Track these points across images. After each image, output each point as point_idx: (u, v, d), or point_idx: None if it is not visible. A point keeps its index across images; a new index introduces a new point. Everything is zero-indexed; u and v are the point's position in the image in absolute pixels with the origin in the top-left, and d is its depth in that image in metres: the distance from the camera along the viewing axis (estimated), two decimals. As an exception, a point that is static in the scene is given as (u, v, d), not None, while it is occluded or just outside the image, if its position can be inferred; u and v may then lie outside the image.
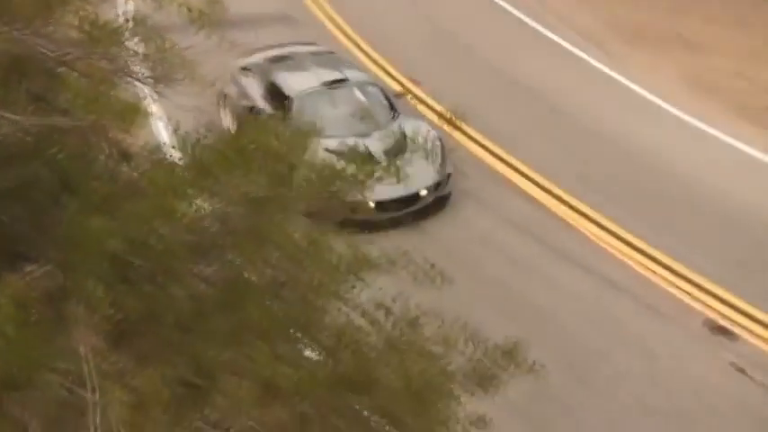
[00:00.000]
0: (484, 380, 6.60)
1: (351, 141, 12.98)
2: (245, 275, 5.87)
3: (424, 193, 13.52)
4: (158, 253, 5.38)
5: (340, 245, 6.13)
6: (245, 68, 15.69)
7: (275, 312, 5.41)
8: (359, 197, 12.42)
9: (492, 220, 13.33)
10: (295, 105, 14.26)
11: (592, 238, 12.75)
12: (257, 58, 15.91)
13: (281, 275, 5.83)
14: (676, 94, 15.94)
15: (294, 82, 14.95)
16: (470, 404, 6.66)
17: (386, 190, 12.76)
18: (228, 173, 5.16)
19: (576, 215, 13.17)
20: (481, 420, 6.43)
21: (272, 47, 16.34)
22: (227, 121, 15.40)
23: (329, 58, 16.10)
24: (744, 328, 11.21)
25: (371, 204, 12.69)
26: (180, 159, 6.13)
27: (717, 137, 14.87)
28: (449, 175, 13.81)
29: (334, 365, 5.23)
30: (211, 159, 5.24)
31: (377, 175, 5.69)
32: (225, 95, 15.59)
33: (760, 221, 12.95)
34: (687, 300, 11.67)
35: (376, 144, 13.72)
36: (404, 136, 14.07)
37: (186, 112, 7.28)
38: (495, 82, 16.61)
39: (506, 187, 13.97)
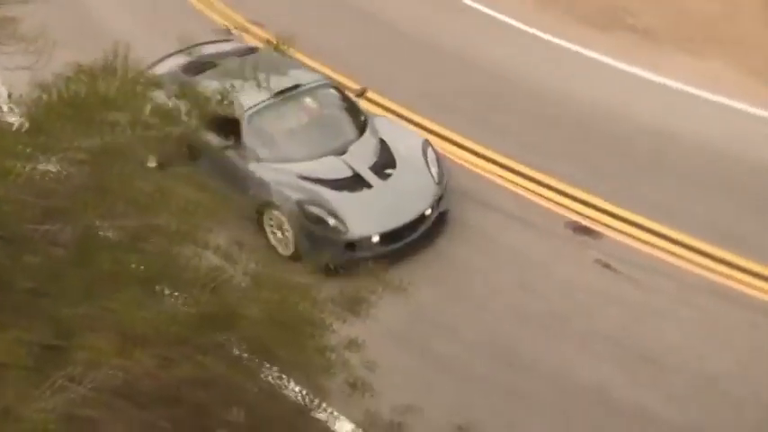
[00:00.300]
0: (354, 304, 6.68)
1: (329, 163, 11.60)
2: (97, 232, 5.78)
3: (428, 212, 11.47)
4: (2, 219, 5.26)
5: (191, 190, 6.09)
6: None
7: (131, 264, 5.35)
8: (360, 234, 10.92)
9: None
10: (246, 127, 11.76)
11: (448, 155, 12.85)
12: (167, 67, 12.93)
13: (133, 227, 5.77)
14: (517, 7, 16.12)
15: (235, 96, 12.70)
16: (345, 330, 6.75)
17: (389, 219, 11.19)
18: (62, 128, 5.04)
19: (427, 134, 13.19)
20: (354, 344, 6.52)
21: (178, 51, 13.05)
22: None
23: (260, 57, 12.59)
24: (605, 225, 11.51)
25: (375, 239, 11.14)
26: (16, 121, 5.97)
27: (560, 45, 15.11)
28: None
29: (196, 306, 5.22)
30: (43, 116, 5.11)
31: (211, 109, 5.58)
32: None
33: (608, 122, 13.27)
34: (547, 204, 11.90)
35: (358, 161, 11.68)
36: (384, 143, 12.00)
37: (19, 73, 7.02)
38: (343, 15, 16.47)
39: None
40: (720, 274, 10.68)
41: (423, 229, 11.36)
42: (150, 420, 5.55)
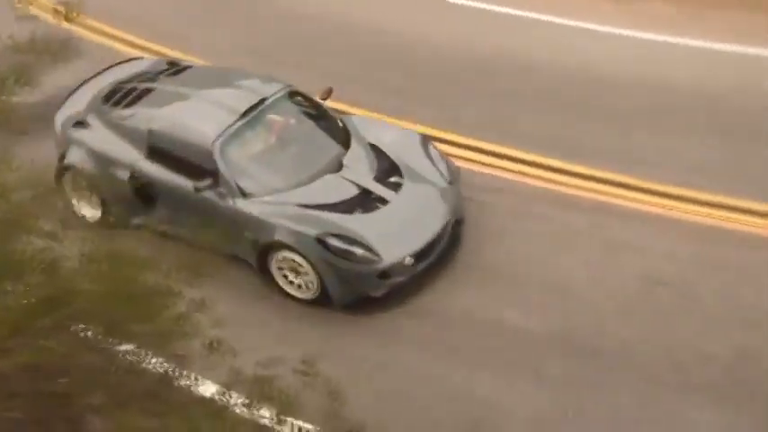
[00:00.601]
0: (197, 268, 6.69)
1: (328, 184, 10.07)
2: None
3: (449, 217, 10.20)
4: None
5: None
6: (79, 123, 10.98)
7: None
8: (393, 259, 9.64)
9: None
10: (220, 159, 9.96)
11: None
12: (83, 102, 11.23)
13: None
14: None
15: (195, 124, 10.24)
16: (200, 294, 6.76)
17: (418, 235, 9.82)
18: None
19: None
20: (201, 304, 6.53)
21: (85, 82, 11.59)
22: (88, 210, 10.89)
23: (199, 72, 11.44)
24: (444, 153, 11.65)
25: (409, 260, 9.69)
26: None
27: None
28: None
29: (29, 290, 5.13)
30: None
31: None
32: (68, 168, 10.86)
33: (430, 53, 13.41)
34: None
35: (360, 174, 10.15)
36: (376, 148, 10.51)
37: None
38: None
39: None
40: (556, 182, 11.00)
41: (447, 236, 10.11)
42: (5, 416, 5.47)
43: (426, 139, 10.79)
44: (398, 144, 10.60)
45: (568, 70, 12.72)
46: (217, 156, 9.94)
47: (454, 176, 10.44)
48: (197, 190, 9.92)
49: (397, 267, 9.67)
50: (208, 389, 7.30)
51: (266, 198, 9.94)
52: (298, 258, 9.63)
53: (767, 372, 8.78)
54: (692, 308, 9.42)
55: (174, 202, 10.27)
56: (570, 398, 8.77)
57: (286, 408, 6.53)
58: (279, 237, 9.66)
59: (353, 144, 10.49)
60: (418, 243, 9.76)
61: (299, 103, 10.81)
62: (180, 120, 10.34)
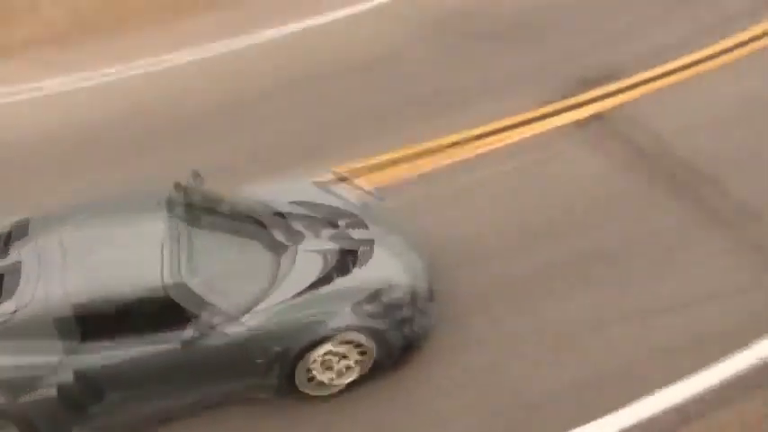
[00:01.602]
0: None
1: (305, 262, 8.53)
2: None
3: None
4: None
5: None
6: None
7: None
8: (422, 286, 8.53)
9: None
10: (188, 297, 7.89)
11: None
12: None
13: None
14: None
15: (121, 273, 7.78)
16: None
17: (413, 255, 8.95)
18: None
19: None
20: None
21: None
22: None
23: (48, 222, 8.30)
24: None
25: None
26: None
27: None
28: None
29: None
30: None
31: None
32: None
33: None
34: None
35: (313, 239, 8.85)
36: (288, 215, 9.15)
37: None
38: None
39: None
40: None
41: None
42: None
43: (317, 183, 9.68)
44: (302, 197, 9.46)
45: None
46: (174, 293, 7.85)
47: (365, 200, 9.61)
48: (187, 344, 7.95)
49: (422, 290, 8.76)
50: None
51: (260, 306, 8.15)
52: (353, 337, 8.30)
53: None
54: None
55: (140, 377, 8.02)
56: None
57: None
58: (312, 336, 8.15)
59: (269, 217, 8.99)
60: (419, 261, 8.93)
61: (188, 199, 8.74)
62: (100, 280, 7.78)
